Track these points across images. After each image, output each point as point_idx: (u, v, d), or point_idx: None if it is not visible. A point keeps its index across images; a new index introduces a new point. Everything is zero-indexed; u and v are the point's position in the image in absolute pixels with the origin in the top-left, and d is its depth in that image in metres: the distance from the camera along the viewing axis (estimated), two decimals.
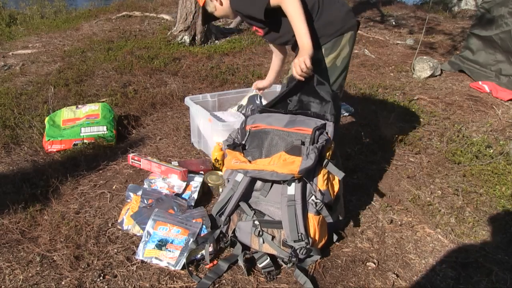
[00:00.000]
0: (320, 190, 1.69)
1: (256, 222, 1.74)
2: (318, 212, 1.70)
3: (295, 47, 1.87)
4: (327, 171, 1.71)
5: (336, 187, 1.77)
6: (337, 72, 1.84)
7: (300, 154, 1.62)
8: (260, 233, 1.74)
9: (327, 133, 1.71)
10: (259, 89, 2.55)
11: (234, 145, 1.83)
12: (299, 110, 1.81)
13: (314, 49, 1.73)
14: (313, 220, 1.71)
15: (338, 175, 1.72)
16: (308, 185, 1.70)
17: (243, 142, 1.83)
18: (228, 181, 1.87)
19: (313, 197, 1.69)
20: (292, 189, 1.68)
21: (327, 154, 1.71)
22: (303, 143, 1.67)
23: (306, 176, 1.68)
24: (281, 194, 1.71)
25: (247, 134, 1.83)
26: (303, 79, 1.71)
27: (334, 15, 1.80)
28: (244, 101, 2.66)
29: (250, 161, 1.73)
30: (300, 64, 1.66)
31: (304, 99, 1.81)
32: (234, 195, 1.81)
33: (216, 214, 1.88)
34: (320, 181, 1.70)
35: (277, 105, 1.88)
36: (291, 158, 1.62)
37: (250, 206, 1.81)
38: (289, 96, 1.84)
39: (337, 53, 1.80)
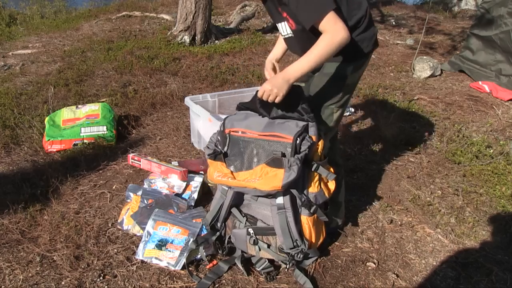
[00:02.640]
0: (310, 194, 1.64)
1: (250, 230, 1.71)
2: (312, 214, 1.67)
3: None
4: (318, 173, 1.66)
5: (332, 186, 1.73)
6: (351, 90, 1.78)
7: (282, 166, 1.53)
8: (255, 241, 1.71)
9: (310, 136, 1.60)
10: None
11: (215, 155, 1.71)
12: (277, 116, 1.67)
13: (342, 62, 1.64)
14: (307, 221, 1.67)
15: (329, 178, 1.67)
16: (299, 192, 1.64)
17: (225, 149, 1.72)
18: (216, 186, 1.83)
19: (305, 201, 1.64)
20: (281, 199, 1.63)
21: (316, 156, 1.64)
22: (283, 155, 1.57)
23: (295, 182, 1.59)
24: (270, 203, 1.66)
25: (227, 139, 1.72)
26: (265, 100, 1.57)
27: (372, 33, 1.69)
28: None
29: (232, 172, 1.66)
30: (271, 95, 1.53)
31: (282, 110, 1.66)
32: (224, 202, 1.78)
33: (210, 223, 1.84)
34: (311, 185, 1.65)
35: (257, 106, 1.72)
36: (273, 171, 1.54)
37: (241, 212, 1.78)
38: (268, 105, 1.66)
39: (360, 72, 1.74)
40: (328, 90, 1.70)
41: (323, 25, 1.47)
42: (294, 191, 1.62)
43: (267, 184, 1.53)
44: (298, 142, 1.57)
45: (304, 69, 1.51)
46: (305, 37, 1.57)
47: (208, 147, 1.75)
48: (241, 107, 1.77)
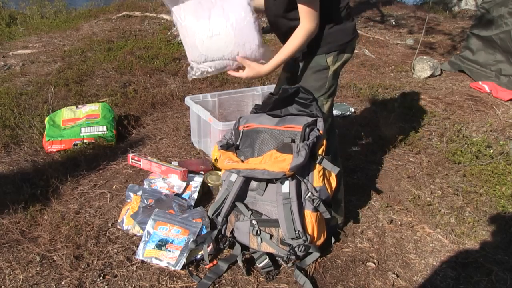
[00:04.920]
0: (315, 188, 1.70)
1: (254, 222, 1.75)
2: (315, 209, 1.70)
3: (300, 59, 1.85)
4: (322, 167, 1.72)
5: (333, 183, 1.77)
6: (336, 80, 1.85)
7: (291, 151, 1.63)
8: (258, 232, 1.74)
9: (318, 129, 1.72)
10: None
11: (227, 146, 1.85)
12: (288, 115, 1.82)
13: (320, 54, 1.74)
14: (310, 217, 1.71)
15: (333, 171, 1.73)
16: (304, 182, 1.70)
17: (237, 143, 1.85)
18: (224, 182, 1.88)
19: (309, 194, 1.69)
20: (287, 187, 1.69)
21: (320, 150, 1.72)
22: (293, 141, 1.68)
23: (301, 173, 1.68)
24: (277, 192, 1.71)
25: (240, 134, 1.85)
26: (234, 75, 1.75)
27: (348, 25, 1.77)
28: None
29: (242, 161, 1.74)
30: (240, 77, 1.73)
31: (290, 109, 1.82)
32: (229, 195, 1.81)
33: (213, 215, 1.89)
34: (315, 178, 1.70)
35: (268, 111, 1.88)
36: (282, 156, 1.63)
37: (247, 207, 1.81)
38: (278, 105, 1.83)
39: (341, 62, 1.81)
40: (314, 83, 1.79)
41: (301, 10, 1.59)
42: (300, 179, 1.68)
43: (275, 165, 1.62)
44: (307, 131, 1.69)
45: (279, 60, 1.69)
46: (279, 4, 1.69)
47: (221, 141, 1.88)
48: (255, 110, 1.89)
